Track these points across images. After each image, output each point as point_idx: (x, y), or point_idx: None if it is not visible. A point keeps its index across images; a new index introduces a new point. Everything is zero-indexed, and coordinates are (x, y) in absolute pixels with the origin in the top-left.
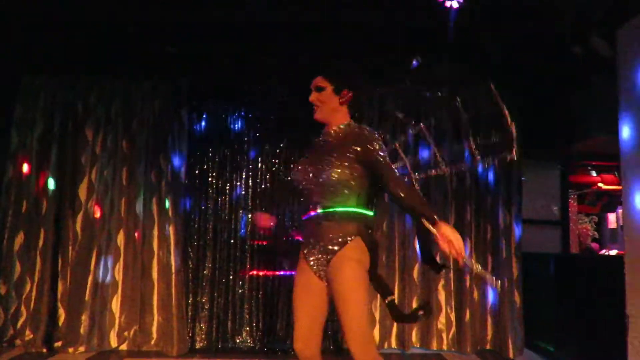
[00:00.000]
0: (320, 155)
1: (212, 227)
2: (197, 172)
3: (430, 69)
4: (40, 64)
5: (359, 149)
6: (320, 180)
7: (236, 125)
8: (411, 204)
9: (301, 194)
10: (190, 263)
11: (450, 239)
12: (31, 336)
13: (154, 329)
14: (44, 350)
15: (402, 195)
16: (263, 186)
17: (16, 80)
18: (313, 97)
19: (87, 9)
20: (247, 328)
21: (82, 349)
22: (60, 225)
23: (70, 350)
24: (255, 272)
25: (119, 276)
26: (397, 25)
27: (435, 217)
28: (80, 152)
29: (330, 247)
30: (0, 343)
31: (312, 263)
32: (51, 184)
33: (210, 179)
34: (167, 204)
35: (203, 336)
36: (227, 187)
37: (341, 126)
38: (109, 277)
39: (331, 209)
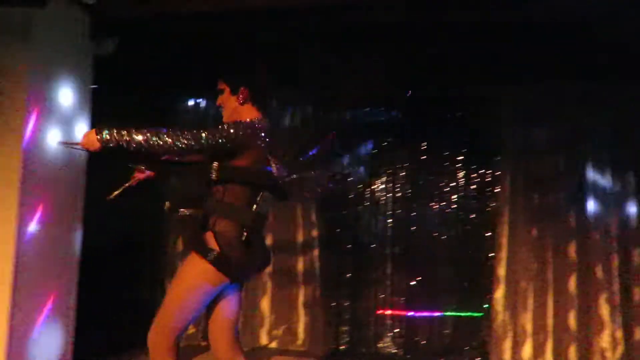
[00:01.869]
0: None
1: (354, 233)
2: (338, 179)
3: None
4: None
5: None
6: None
7: (371, 132)
8: None
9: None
10: (332, 267)
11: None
12: (193, 330)
13: (301, 329)
14: (203, 343)
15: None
16: (402, 191)
17: None
18: (218, 100)
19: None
20: (389, 334)
21: None
22: None
23: None
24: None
25: (267, 277)
26: None
27: None
28: None
29: None
30: None
31: None
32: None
33: (350, 186)
34: (311, 211)
35: (347, 339)
36: (367, 193)
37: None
38: (259, 279)
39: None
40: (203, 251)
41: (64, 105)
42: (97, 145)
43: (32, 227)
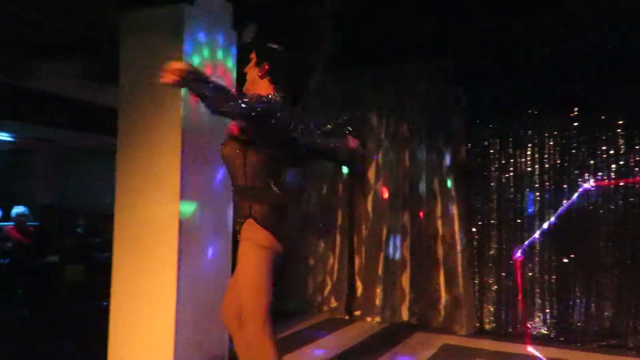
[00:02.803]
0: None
1: (496, 206)
2: (477, 150)
3: None
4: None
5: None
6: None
7: (516, 99)
8: None
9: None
10: (474, 242)
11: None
12: (335, 304)
13: (442, 306)
14: (346, 317)
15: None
16: (552, 162)
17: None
18: (246, 67)
19: None
20: (540, 314)
21: (377, 319)
22: (353, 205)
23: (368, 319)
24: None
25: (407, 253)
26: None
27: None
28: (367, 138)
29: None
30: (311, 308)
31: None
32: (344, 169)
33: (491, 157)
34: (449, 183)
35: (491, 318)
36: (511, 165)
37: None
38: (398, 254)
39: (240, 187)
40: (251, 237)
41: None
42: (183, 69)
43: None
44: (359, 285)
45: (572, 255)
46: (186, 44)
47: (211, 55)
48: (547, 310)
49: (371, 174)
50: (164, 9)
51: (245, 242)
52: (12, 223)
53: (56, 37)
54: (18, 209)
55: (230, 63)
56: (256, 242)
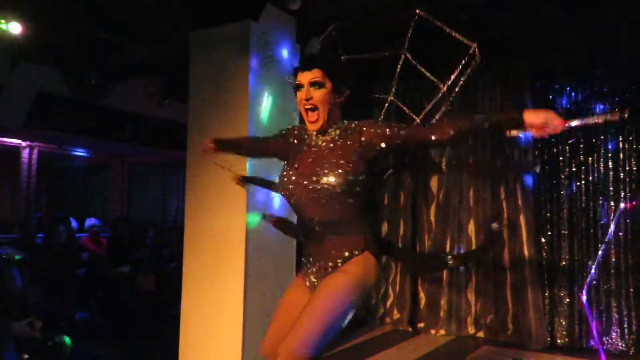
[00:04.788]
0: (314, 164)
1: (567, 216)
2: (545, 157)
3: None
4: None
5: (363, 138)
6: (317, 190)
7: (588, 104)
8: (465, 127)
9: (295, 208)
10: (544, 254)
11: (541, 122)
12: (398, 316)
13: (509, 319)
14: (409, 329)
15: (452, 131)
16: (627, 168)
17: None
18: (309, 94)
19: None
20: (617, 329)
21: (442, 332)
22: (416, 215)
23: (432, 332)
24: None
25: (472, 264)
26: None
27: (496, 117)
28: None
29: (331, 265)
30: (373, 319)
31: (307, 284)
32: (407, 178)
33: (561, 164)
34: (517, 191)
35: (564, 332)
36: (582, 172)
37: (334, 127)
38: (463, 265)
39: (332, 222)
40: (357, 272)
41: (279, 103)
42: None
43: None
44: (422, 297)
45: None
46: (252, 59)
47: (276, 66)
48: (626, 326)
49: (434, 182)
50: (230, 26)
51: (344, 275)
52: (86, 234)
53: (134, 58)
54: (90, 221)
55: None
56: (362, 278)
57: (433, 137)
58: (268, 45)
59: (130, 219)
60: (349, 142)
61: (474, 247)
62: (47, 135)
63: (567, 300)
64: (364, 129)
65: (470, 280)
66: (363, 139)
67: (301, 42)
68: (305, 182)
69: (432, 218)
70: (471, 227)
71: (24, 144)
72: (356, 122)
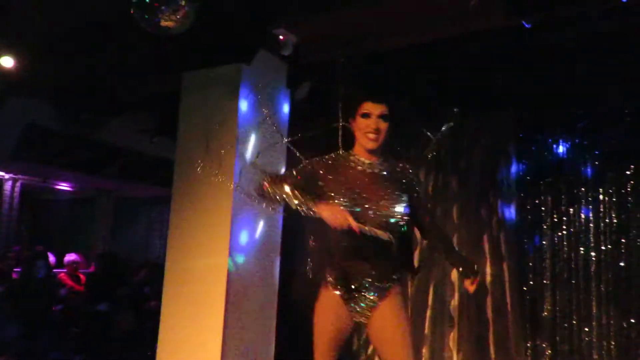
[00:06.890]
0: (375, 189)
1: (550, 266)
2: (528, 207)
3: None
4: None
5: (412, 183)
6: (384, 215)
7: (570, 154)
8: (444, 234)
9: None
10: (526, 303)
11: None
12: None
13: None
14: None
15: (439, 228)
16: (607, 220)
17: None
18: (377, 124)
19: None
20: None
21: None
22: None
23: None
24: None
25: (455, 312)
26: None
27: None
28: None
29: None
30: None
31: (353, 304)
32: None
33: (543, 214)
34: (499, 240)
35: None
36: (564, 222)
37: (381, 158)
38: (445, 312)
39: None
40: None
41: (267, 145)
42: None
43: (240, 257)
44: None
45: (633, 320)
46: (241, 101)
47: (266, 109)
48: None
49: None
50: (222, 68)
51: (400, 297)
52: (64, 270)
53: (130, 95)
54: (70, 257)
55: (284, 120)
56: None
57: (429, 222)
58: (258, 88)
59: (115, 254)
60: (397, 178)
61: (457, 297)
62: (32, 168)
63: (549, 351)
64: (407, 175)
65: (452, 327)
66: (410, 183)
67: (291, 86)
68: (368, 206)
69: (415, 263)
70: (454, 274)
71: (7, 176)
72: (400, 162)
